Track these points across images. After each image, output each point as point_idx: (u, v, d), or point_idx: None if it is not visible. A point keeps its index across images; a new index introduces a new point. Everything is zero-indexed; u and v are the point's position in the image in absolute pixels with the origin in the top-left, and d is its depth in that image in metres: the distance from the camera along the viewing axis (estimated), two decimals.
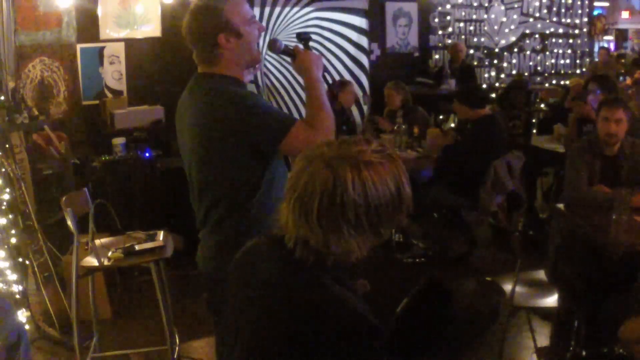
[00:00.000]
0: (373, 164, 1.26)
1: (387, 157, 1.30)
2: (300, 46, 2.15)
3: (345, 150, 1.28)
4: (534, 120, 7.29)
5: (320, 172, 1.26)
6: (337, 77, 7.61)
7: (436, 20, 8.49)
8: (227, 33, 1.98)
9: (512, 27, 9.04)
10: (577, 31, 9.54)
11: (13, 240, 3.68)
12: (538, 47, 9.28)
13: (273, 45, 2.11)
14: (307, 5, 7.29)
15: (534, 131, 6.86)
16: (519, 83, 7.81)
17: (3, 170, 3.75)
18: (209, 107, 1.98)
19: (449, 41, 8.43)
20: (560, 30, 9.42)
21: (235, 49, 2.00)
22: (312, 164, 1.28)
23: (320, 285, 1.27)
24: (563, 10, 9.40)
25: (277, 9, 7.14)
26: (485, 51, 8.89)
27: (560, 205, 3.55)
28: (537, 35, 9.23)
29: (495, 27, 8.91)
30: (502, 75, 8.90)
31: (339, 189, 1.24)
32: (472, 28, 8.74)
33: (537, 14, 9.19)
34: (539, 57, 9.31)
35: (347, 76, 7.77)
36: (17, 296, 3.59)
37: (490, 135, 4.70)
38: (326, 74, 2.22)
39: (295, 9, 7.23)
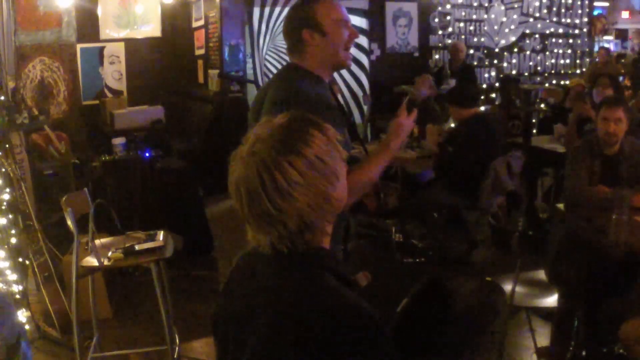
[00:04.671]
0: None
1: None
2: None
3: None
4: (534, 120, 7.29)
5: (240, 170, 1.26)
6: (337, 78, 7.60)
7: (436, 20, 8.49)
8: (311, 29, 2.04)
9: (512, 27, 9.04)
10: (577, 31, 9.54)
11: (13, 240, 3.68)
12: (538, 47, 9.28)
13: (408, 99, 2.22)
14: None
15: (534, 131, 6.86)
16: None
17: (3, 170, 3.75)
18: (277, 98, 2.02)
19: (449, 41, 8.43)
20: (560, 30, 9.43)
21: (319, 46, 2.06)
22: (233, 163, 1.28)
23: (327, 289, 1.23)
24: (563, 10, 9.41)
25: (277, 9, 7.14)
26: (485, 51, 8.89)
27: (560, 205, 3.55)
28: (537, 35, 9.23)
29: (495, 27, 8.91)
30: (502, 76, 8.90)
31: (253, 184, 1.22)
32: (472, 28, 8.74)
33: (537, 14, 9.19)
34: (539, 57, 9.31)
35: (347, 76, 7.78)
36: (17, 296, 3.59)
37: (479, 134, 4.69)
38: None
39: None
